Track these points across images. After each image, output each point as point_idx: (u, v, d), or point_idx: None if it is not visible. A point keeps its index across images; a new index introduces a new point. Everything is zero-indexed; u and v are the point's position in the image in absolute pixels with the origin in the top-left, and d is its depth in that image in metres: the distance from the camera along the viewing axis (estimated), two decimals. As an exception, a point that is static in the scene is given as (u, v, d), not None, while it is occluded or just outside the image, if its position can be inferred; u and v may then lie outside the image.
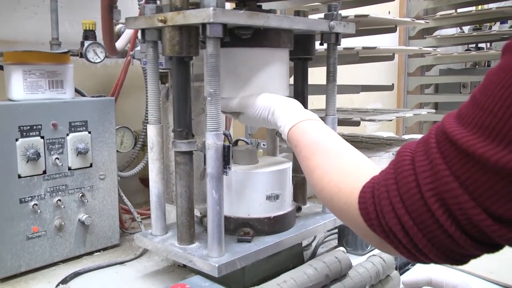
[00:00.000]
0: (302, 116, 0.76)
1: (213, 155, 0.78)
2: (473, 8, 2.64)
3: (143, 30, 0.86)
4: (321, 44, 1.01)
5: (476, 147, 0.41)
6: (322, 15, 0.99)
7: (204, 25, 0.75)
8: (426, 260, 0.49)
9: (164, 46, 0.82)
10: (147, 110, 1.13)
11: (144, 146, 1.26)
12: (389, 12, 2.42)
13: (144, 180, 1.36)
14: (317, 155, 0.66)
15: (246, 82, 0.88)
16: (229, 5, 0.99)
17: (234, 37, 0.83)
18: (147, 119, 0.93)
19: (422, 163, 0.45)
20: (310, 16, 0.99)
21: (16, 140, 0.94)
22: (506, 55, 0.42)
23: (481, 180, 0.41)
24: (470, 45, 3.02)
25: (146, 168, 1.16)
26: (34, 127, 0.96)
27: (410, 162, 0.47)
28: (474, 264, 0.98)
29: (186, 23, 0.77)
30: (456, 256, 0.46)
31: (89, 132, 1.05)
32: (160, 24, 0.80)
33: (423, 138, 0.48)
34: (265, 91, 0.89)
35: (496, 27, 2.89)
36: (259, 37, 0.86)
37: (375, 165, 0.60)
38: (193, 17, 0.75)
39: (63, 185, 1.01)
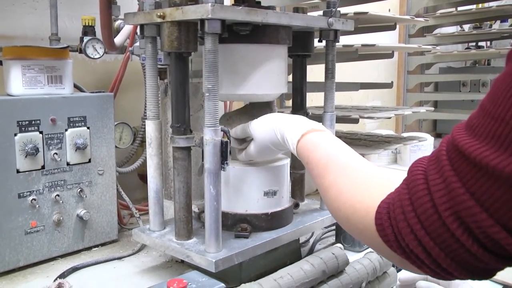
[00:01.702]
0: (308, 126, 0.75)
1: (211, 150, 0.78)
2: (474, 6, 2.63)
3: (142, 26, 0.86)
4: (320, 41, 1.01)
5: (489, 159, 0.39)
6: (321, 12, 0.99)
7: (202, 21, 0.75)
8: (451, 277, 0.48)
9: (162, 41, 0.82)
10: (146, 106, 1.13)
11: (143, 142, 1.26)
12: (389, 10, 2.42)
13: (142, 176, 1.37)
14: (330, 173, 0.64)
15: (244, 78, 0.88)
16: (228, 1, 0.99)
17: (232, 33, 0.83)
18: (146, 115, 0.93)
19: (436, 181, 0.44)
20: (309, 13, 0.99)
21: (15, 135, 0.94)
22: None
23: (496, 194, 0.39)
24: (470, 43, 3.01)
25: (144, 164, 1.16)
26: (33, 122, 0.96)
27: (423, 182, 0.45)
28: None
29: (184, 19, 0.77)
30: (480, 271, 0.46)
31: (88, 128, 1.05)
32: (159, 20, 0.80)
33: (434, 153, 0.46)
34: (264, 88, 0.90)
35: (497, 25, 2.89)
36: (258, 34, 0.86)
37: (389, 177, 0.58)
38: (191, 13, 0.76)
39: (61, 180, 1.02)
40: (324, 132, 0.74)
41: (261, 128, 0.83)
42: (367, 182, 0.59)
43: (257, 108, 0.96)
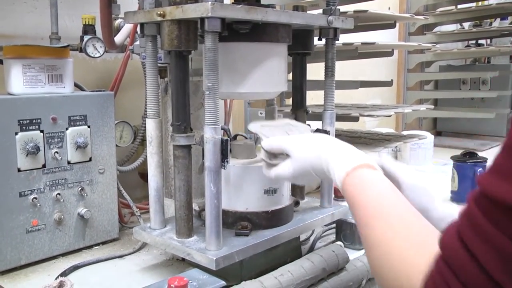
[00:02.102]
0: (360, 160, 0.65)
1: (211, 148, 0.79)
2: (473, 4, 2.63)
3: (142, 24, 0.87)
4: (320, 39, 1.01)
5: None
6: (321, 10, 0.99)
7: (202, 19, 0.75)
8: None
9: (163, 40, 0.82)
10: (146, 105, 1.13)
11: (144, 140, 1.26)
12: (388, 8, 2.42)
13: (143, 175, 1.37)
14: (379, 225, 0.56)
15: (244, 76, 0.88)
16: (227, 0, 0.99)
17: (232, 31, 0.83)
18: (146, 114, 0.93)
19: (478, 244, 0.40)
20: (309, 12, 0.99)
21: (16, 134, 0.94)
22: None
23: None
24: (470, 41, 3.01)
25: (145, 162, 1.16)
26: (34, 121, 0.96)
27: (464, 251, 0.41)
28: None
29: (184, 17, 0.78)
30: None
31: (89, 126, 1.05)
32: (159, 18, 0.80)
33: (463, 216, 0.43)
34: (264, 86, 0.90)
35: (496, 23, 2.89)
36: (258, 32, 0.86)
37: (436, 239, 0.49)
38: (191, 11, 0.76)
39: (62, 179, 1.02)
40: (377, 171, 0.64)
41: (304, 148, 0.74)
42: (418, 246, 0.51)
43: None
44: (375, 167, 0.64)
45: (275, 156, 0.78)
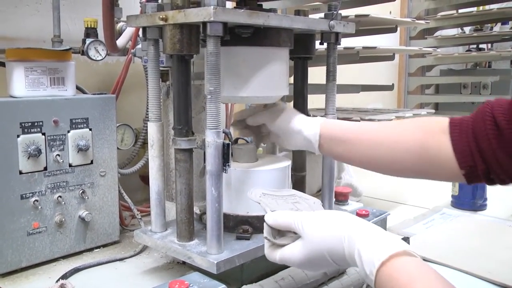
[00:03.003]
0: (398, 246, 0.55)
1: (213, 152, 0.79)
2: (474, 8, 2.64)
3: (144, 28, 0.87)
4: (321, 43, 1.01)
5: None
6: (322, 14, 0.99)
7: (204, 23, 0.76)
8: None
9: (165, 44, 0.83)
10: (148, 108, 1.13)
11: (145, 143, 1.27)
12: (390, 12, 2.43)
13: (144, 178, 1.37)
14: None
15: (246, 80, 0.88)
16: (229, 4, 0.99)
17: (234, 35, 0.83)
18: (148, 117, 0.93)
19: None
20: (310, 16, 1.00)
21: (18, 136, 0.94)
22: None
23: None
24: (471, 46, 3.02)
25: (146, 165, 1.17)
26: (36, 124, 0.97)
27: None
28: (473, 264, 0.98)
29: (187, 21, 0.78)
30: None
31: (90, 129, 1.05)
32: (161, 22, 0.81)
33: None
34: (265, 90, 0.90)
35: (497, 28, 2.90)
36: (259, 36, 0.87)
37: None
38: (194, 15, 0.76)
39: (63, 182, 1.02)
40: (418, 259, 0.55)
41: (321, 228, 0.62)
42: None
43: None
44: (415, 253, 0.55)
45: (280, 234, 0.66)
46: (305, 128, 0.89)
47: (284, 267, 0.86)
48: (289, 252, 0.64)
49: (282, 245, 0.64)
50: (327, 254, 0.60)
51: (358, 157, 0.83)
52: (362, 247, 0.56)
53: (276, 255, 0.65)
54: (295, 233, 0.64)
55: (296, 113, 0.94)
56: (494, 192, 1.47)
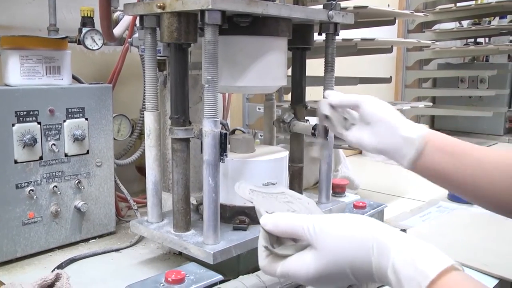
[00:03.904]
0: (441, 261, 0.45)
1: (210, 142, 0.78)
2: (473, 2, 2.64)
3: (141, 16, 0.86)
4: (320, 34, 1.01)
5: None
6: (321, 6, 0.98)
7: (202, 11, 0.75)
8: None
9: (162, 32, 0.82)
10: (144, 98, 1.13)
11: (141, 134, 1.26)
12: (388, 5, 2.42)
13: (140, 169, 1.36)
14: None
15: (244, 70, 0.88)
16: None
17: (232, 24, 0.82)
18: (145, 107, 0.92)
19: None
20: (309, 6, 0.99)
21: (13, 125, 0.93)
22: None
23: None
24: (468, 40, 3.01)
25: (142, 156, 1.16)
26: (31, 113, 0.96)
27: None
28: (469, 257, 0.98)
29: (184, 9, 0.77)
30: None
31: (86, 119, 1.04)
32: (159, 11, 0.80)
33: None
34: (263, 80, 0.89)
35: (495, 21, 2.89)
36: (258, 25, 0.86)
37: None
38: (192, 3, 0.75)
39: (59, 172, 1.01)
40: (467, 275, 0.47)
41: (340, 236, 0.50)
42: None
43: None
44: (459, 266, 0.46)
45: (279, 241, 0.54)
46: (407, 126, 0.72)
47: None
48: (295, 265, 0.52)
49: (285, 256, 0.52)
50: (348, 268, 0.49)
51: (462, 176, 0.68)
52: (399, 261, 0.46)
53: (276, 268, 0.53)
54: (294, 240, 0.53)
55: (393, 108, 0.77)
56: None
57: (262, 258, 0.55)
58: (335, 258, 0.49)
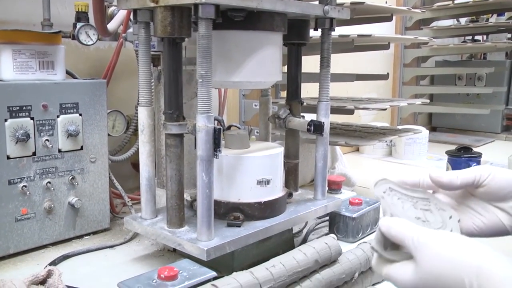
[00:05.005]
0: None
1: (204, 137, 0.77)
2: (471, -1, 2.62)
3: (135, 11, 0.85)
4: (316, 29, 1.00)
5: None
6: (317, 1, 0.98)
7: (196, 5, 0.74)
8: None
9: (156, 27, 0.81)
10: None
11: (136, 130, 1.24)
12: (386, 2, 2.41)
13: (136, 165, 1.35)
14: None
15: (238, 65, 0.87)
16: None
17: (227, 19, 0.82)
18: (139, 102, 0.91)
19: None
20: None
21: (5, 120, 0.93)
22: None
23: None
24: (466, 37, 3.01)
25: (138, 153, 1.15)
26: (24, 108, 0.95)
27: None
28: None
29: (178, 3, 0.76)
30: None
31: (80, 115, 1.04)
32: (152, 5, 0.79)
33: None
34: (258, 75, 0.89)
35: (493, 19, 2.88)
36: (252, 20, 0.85)
37: None
38: (185, -3, 0.74)
39: (53, 167, 1.00)
40: None
41: (437, 257, 0.48)
42: None
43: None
44: None
45: (394, 245, 0.54)
46: None
47: (275, 255, 0.85)
48: (396, 272, 0.52)
49: (391, 261, 0.53)
50: None
51: None
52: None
53: (382, 269, 0.54)
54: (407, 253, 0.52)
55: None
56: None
57: (375, 257, 0.56)
58: (430, 276, 0.47)
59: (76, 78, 1.12)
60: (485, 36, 2.97)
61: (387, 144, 2.20)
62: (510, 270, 0.43)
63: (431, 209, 0.59)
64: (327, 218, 1.13)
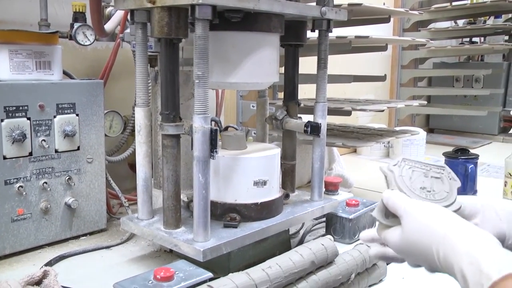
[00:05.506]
0: (508, 265, 0.45)
1: (200, 138, 0.77)
2: (468, 1, 2.63)
3: (132, 11, 0.85)
4: (313, 30, 1.00)
5: None
6: (314, 3, 0.98)
7: (193, 6, 0.74)
8: None
9: (153, 27, 0.81)
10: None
11: (134, 131, 1.25)
12: (383, 4, 2.41)
13: (133, 166, 1.35)
14: None
15: (235, 66, 0.87)
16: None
17: (224, 20, 0.82)
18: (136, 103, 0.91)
19: None
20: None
21: (2, 120, 0.92)
22: None
23: None
24: (464, 39, 3.02)
25: (135, 153, 1.15)
26: (20, 108, 0.95)
27: None
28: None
29: (175, 4, 0.76)
30: None
31: (77, 115, 1.03)
32: (149, 5, 0.79)
33: None
34: (255, 76, 0.88)
35: (490, 21, 2.89)
36: (249, 21, 0.85)
37: None
38: (182, -3, 0.74)
39: (49, 168, 1.00)
40: None
41: (416, 224, 0.55)
42: None
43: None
44: None
45: (390, 215, 0.61)
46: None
47: (272, 256, 0.85)
48: (390, 235, 0.59)
49: (388, 226, 0.60)
50: (418, 253, 0.54)
51: None
52: (462, 259, 0.47)
53: (381, 234, 0.61)
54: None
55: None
56: (484, 185, 1.47)
57: (376, 224, 0.63)
58: (410, 240, 0.55)
59: (73, 79, 1.12)
60: (482, 38, 2.98)
61: (384, 146, 2.20)
62: (473, 241, 0.48)
63: (442, 177, 0.64)
64: (324, 219, 1.13)
